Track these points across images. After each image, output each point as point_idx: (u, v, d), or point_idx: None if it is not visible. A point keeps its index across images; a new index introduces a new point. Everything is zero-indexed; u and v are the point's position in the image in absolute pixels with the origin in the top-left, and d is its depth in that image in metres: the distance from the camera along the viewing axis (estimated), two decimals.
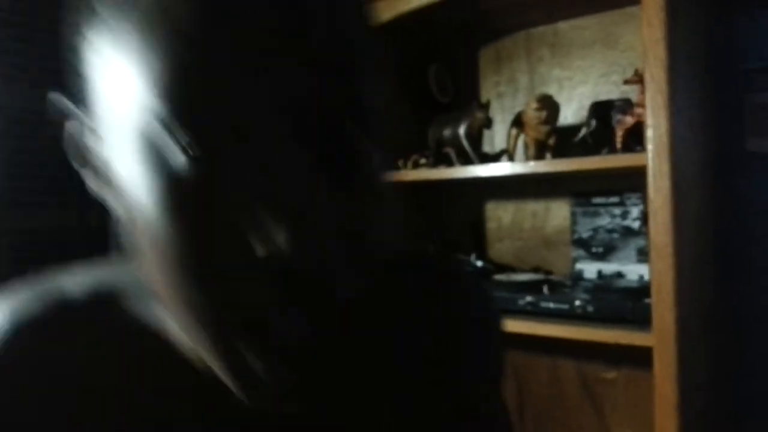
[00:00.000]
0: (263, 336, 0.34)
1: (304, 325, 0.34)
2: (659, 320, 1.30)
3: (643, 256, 1.55)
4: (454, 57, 1.99)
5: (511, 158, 1.72)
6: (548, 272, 1.79)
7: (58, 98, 0.43)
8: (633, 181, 1.42)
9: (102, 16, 0.38)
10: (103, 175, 0.41)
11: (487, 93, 1.94)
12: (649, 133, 1.30)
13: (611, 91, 1.67)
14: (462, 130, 1.71)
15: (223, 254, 0.34)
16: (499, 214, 1.94)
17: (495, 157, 1.76)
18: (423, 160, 1.81)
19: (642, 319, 1.36)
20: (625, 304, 1.43)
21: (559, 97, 1.68)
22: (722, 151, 1.52)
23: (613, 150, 1.48)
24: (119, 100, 0.37)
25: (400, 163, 1.83)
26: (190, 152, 0.34)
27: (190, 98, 0.34)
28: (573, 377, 1.75)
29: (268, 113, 0.34)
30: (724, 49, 1.55)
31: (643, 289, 1.43)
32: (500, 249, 1.93)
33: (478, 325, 0.57)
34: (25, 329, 0.44)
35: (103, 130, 0.40)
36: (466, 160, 1.72)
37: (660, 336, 1.30)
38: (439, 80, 1.96)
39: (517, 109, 1.74)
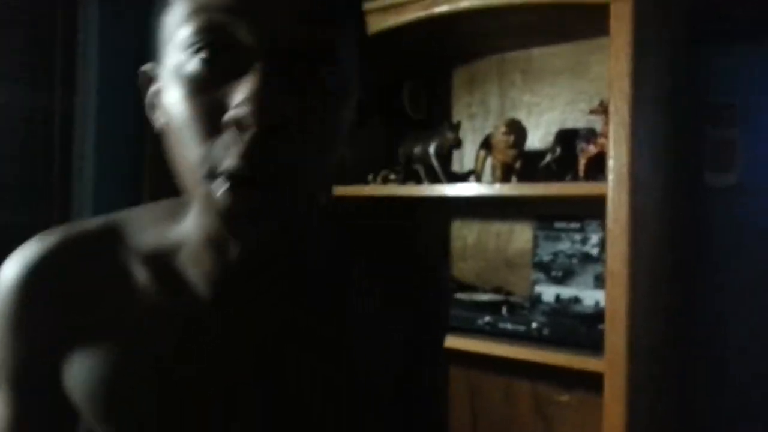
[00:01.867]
0: (237, 194, 0.53)
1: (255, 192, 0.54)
2: (611, 347, 1.32)
3: (600, 282, 1.58)
4: (429, 76, 2.01)
5: (479, 179, 1.74)
6: (509, 293, 1.81)
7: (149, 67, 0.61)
8: (594, 208, 1.45)
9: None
10: (163, 112, 0.59)
11: (459, 113, 1.97)
12: (611, 163, 1.33)
13: (578, 118, 1.71)
14: (432, 148, 1.73)
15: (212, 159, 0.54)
16: (464, 233, 1.96)
17: (462, 177, 1.78)
18: (392, 176, 1.83)
19: (595, 345, 1.39)
20: (580, 329, 1.45)
21: (528, 122, 1.71)
22: (682, 183, 1.55)
23: (575, 177, 1.51)
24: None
25: (370, 177, 1.84)
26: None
27: None
28: (526, 398, 1.77)
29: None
30: (690, 83, 1.59)
31: (597, 315, 1.46)
32: (463, 268, 1.95)
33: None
34: (46, 255, 0.62)
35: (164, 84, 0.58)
36: (435, 179, 1.74)
37: (611, 362, 1.32)
38: (413, 97, 1.98)
39: (488, 131, 1.77)
